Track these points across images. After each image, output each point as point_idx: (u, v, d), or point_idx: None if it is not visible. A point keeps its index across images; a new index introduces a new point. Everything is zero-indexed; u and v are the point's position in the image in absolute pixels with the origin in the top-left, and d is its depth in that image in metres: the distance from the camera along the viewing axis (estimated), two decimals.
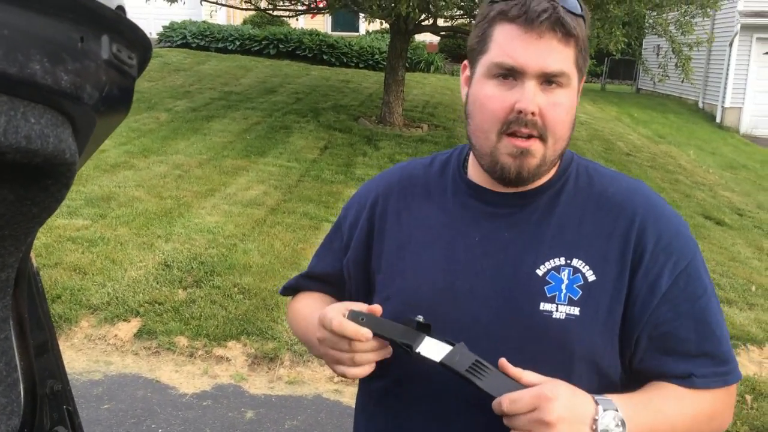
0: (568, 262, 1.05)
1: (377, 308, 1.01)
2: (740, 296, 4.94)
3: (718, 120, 15.84)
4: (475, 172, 1.14)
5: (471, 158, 1.15)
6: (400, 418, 1.13)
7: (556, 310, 1.03)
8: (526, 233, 1.08)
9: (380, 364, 1.04)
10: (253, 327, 3.85)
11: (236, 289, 4.24)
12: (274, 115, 9.53)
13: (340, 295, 1.24)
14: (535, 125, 1.00)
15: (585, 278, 1.04)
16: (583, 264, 1.04)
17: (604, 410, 0.94)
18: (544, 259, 1.05)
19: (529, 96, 0.99)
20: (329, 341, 1.01)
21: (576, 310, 1.02)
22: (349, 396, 3.40)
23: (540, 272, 1.05)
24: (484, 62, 1.04)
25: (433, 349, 0.98)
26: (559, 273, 1.04)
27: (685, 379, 1.04)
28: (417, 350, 0.98)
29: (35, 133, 0.65)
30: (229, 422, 3.16)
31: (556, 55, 0.99)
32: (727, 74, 15.61)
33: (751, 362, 3.98)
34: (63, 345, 3.62)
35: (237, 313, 3.96)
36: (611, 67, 24.87)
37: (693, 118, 15.91)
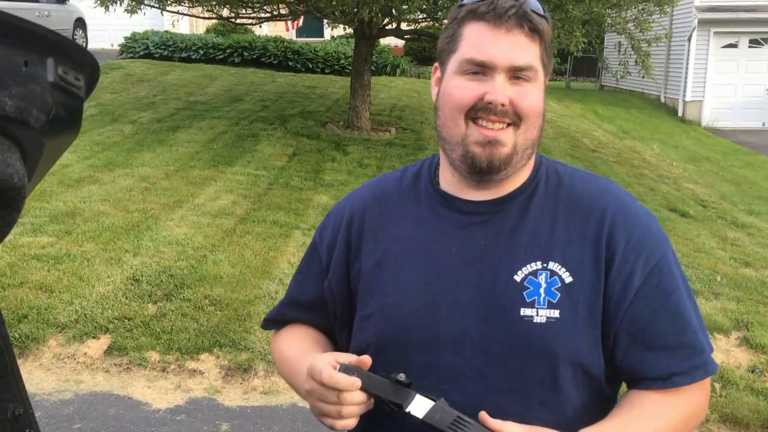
0: (545, 265, 1.06)
1: (366, 360, 1.01)
2: (706, 286, 5.04)
3: (680, 114, 16.16)
4: (446, 181, 1.15)
5: (442, 167, 1.16)
6: None
7: (537, 315, 1.04)
8: (502, 240, 1.09)
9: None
10: (226, 338, 3.82)
11: (207, 300, 4.21)
12: (240, 124, 9.48)
13: (325, 321, 1.25)
14: (506, 114, 1.03)
15: (562, 280, 1.06)
16: (560, 267, 1.06)
17: None
18: (521, 265, 1.07)
19: (499, 88, 1.02)
20: (318, 393, 1.01)
21: (556, 313, 1.04)
22: None
23: (518, 278, 1.06)
24: (455, 60, 1.06)
25: (419, 406, 0.99)
26: (536, 277, 1.06)
27: (666, 380, 1.06)
28: (407, 410, 0.98)
29: None
30: None
31: (524, 50, 1.03)
32: (686, 69, 15.93)
33: (718, 351, 4.06)
34: (31, 365, 3.56)
35: (209, 325, 3.93)
36: (575, 65, 25.19)
37: (656, 113, 16.20)
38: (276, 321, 1.31)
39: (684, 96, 16.12)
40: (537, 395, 1.06)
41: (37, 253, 4.70)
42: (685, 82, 16.00)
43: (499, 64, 1.02)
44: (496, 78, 1.02)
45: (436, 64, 1.15)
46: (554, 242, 1.08)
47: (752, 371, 3.88)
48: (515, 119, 1.04)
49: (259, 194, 6.60)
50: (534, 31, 1.03)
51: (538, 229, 1.09)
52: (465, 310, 1.07)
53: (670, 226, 6.79)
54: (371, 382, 0.99)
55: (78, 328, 3.82)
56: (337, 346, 1.25)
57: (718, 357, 3.98)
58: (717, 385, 3.62)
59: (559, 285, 1.05)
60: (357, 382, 0.98)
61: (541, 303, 1.05)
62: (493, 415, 0.97)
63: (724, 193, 8.85)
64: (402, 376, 0.99)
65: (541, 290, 1.05)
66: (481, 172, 1.06)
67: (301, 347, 1.20)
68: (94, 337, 3.78)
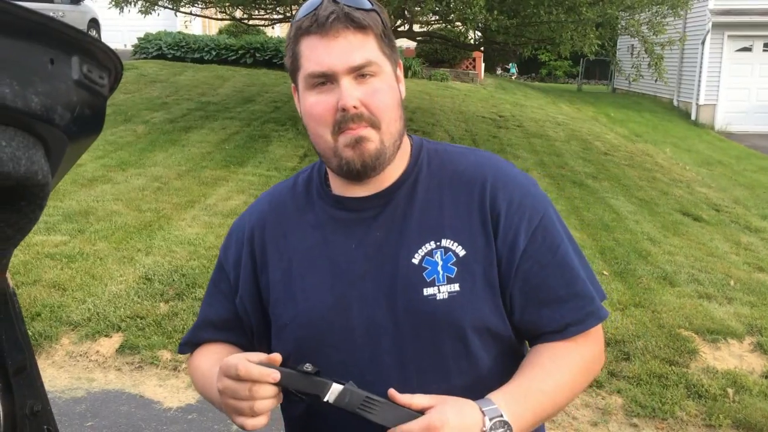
0: (438, 243, 1.11)
1: (276, 357, 1.02)
2: (719, 291, 5.00)
3: (693, 117, 16.07)
4: (335, 183, 1.18)
5: (329, 171, 1.19)
6: None
7: (439, 292, 1.09)
8: (395, 229, 1.13)
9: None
10: None
11: None
12: (252, 125, 9.51)
13: (239, 338, 1.26)
14: (362, 117, 1.06)
15: (456, 255, 1.10)
16: (452, 242, 1.11)
17: (491, 420, 1.00)
18: (417, 247, 1.11)
19: (347, 92, 1.05)
20: (230, 390, 1.02)
21: (456, 287, 1.09)
22: None
23: (416, 261, 1.11)
24: (302, 77, 1.10)
25: (333, 393, 1.01)
26: (432, 257, 1.10)
27: (563, 332, 1.11)
28: (326, 399, 1.00)
29: (6, 155, 0.65)
30: None
31: (357, 49, 1.06)
32: (700, 72, 15.84)
33: (731, 356, 4.03)
34: (44, 363, 3.58)
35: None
36: (587, 67, 25.13)
37: (668, 116, 16.12)
38: (191, 344, 1.31)
39: (697, 99, 16.02)
40: (453, 366, 1.11)
41: (50, 251, 4.73)
42: (699, 86, 15.91)
43: (338, 69, 1.05)
44: (341, 83, 1.05)
45: (293, 85, 1.18)
46: (443, 220, 1.12)
47: (766, 377, 3.84)
48: (373, 120, 1.07)
49: None
50: (362, 28, 1.06)
51: (427, 210, 1.13)
52: (373, 302, 1.11)
53: (683, 230, 6.75)
54: (286, 375, 1.00)
55: (90, 327, 3.85)
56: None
57: (731, 362, 3.95)
58: (730, 391, 3.60)
59: (455, 259, 1.10)
60: (275, 373, 0.99)
61: (441, 280, 1.09)
62: (416, 393, 1.01)
63: (738, 197, 8.78)
64: (309, 367, 1.01)
65: (439, 268, 1.10)
66: (358, 174, 1.10)
67: (215, 359, 1.19)
68: (106, 336, 3.80)
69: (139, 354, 3.68)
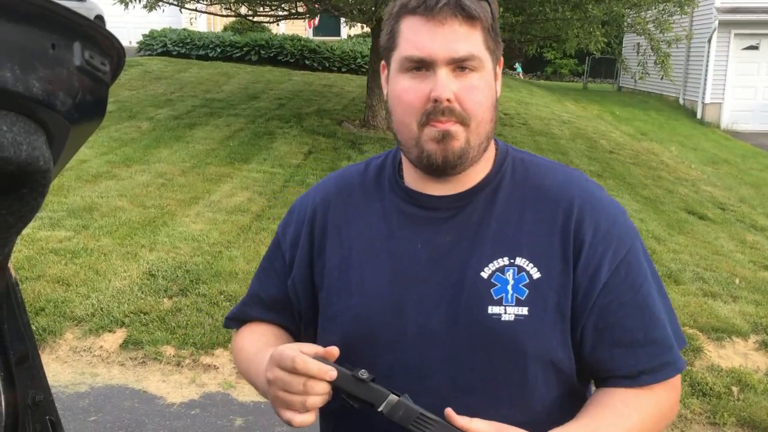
0: (512, 261, 1.04)
1: (333, 351, 0.97)
2: (724, 289, 4.98)
3: (699, 116, 16.01)
4: (410, 176, 1.12)
5: (405, 162, 1.13)
6: None
7: (505, 312, 1.02)
8: (467, 236, 1.06)
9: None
10: None
11: (222, 296, 4.22)
12: (257, 122, 9.51)
13: (287, 320, 1.21)
14: (453, 112, 1.00)
15: (530, 276, 1.03)
16: (527, 262, 1.03)
17: None
18: (488, 261, 1.04)
19: (442, 83, 0.99)
20: (282, 382, 0.96)
21: (524, 310, 1.02)
22: None
23: (485, 275, 1.03)
24: (396, 58, 1.04)
25: (387, 404, 0.96)
26: (503, 274, 1.03)
27: (635, 379, 1.03)
28: (380, 409, 0.95)
29: (7, 141, 0.64)
30: (219, 430, 3.14)
31: (462, 40, 0.99)
32: (706, 70, 15.78)
33: (736, 354, 4.02)
34: (48, 357, 3.59)
35: (224, 321, 3.94)
36: (592, 65, 25.08)
37: (674, 115, 16.07)
38: (237, 319, 1.27)
39: (703, 98, 15.97)
40: (506, 394, 1.03)
41: (54, 247, 4.74)
42: (705, 84, 15.85)
43: (438, 58, 0.99)
44: (438, 73, 0.99)
45: (383, 63, 1.11)
46: (521, 236, 1.05)
47: None
48: (463, 118, 1.01)
49: (274, 191, 6.62)
50: (470, 19, 0.99)
51: (505, 222, 1.06)
52: (431, 309, 1.04)
53: (688, 228, 6.72)
54: (343, 376, 0.95)
55: (94, 322, 3.85)
56: None
57: (735, 360, 3.93)
58: (735, 389, 3.58)
59: (527, 281, 1.03)
60: (332, 371, 0.94)
61: (509, 300, 1.02)
62: (461, 414, 0.95)
63: (743, 196, 8.75)
64: (364, 373, 0.95)
65: (509, 287, 1.03)
66: (437, 169, 1.04)
67: (261, 342, 1.16)
68: (110, 331, 3.80)
69: (142, 349, 3.68)
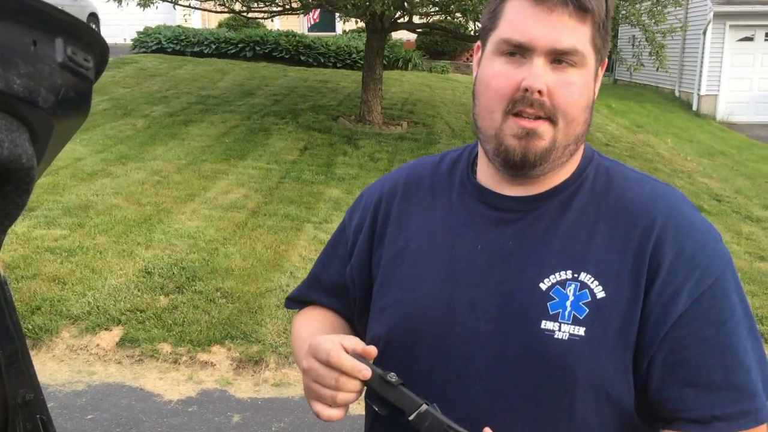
0: (576, 276, 0.95)
1: (372, 350, 0.94)
2: None
3: (694, 108, 16.00)
4: (483, 173, 1.05)
5: (480, 157, 1.06)
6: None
7: (559, 330, 0.93)
8: (531, 242, 0.98)
9: None
10: (237, 331, 3.83)
11: (219, 293, 4.22)
12: (252, 118, 9.49)
13: (345, 307, 1.18)
14: (543, 106, 0.93)
15: (593, 295, 0.94)
16: (592, 279, 0.94)
17: None
18: (549, 272, 0.96)
19: (537, 73, 0.92)
20: (315, 373, 0.94)
21: (581, 330, 0.93)
22: None
23: (543, 286, 0.95)
24: (493, 39, 0.97)
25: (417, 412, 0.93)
26: (564, 288, 0.95)
27: (706, 424, 0.92)
28: (410, 418, 0.91)
29: None
30: (216, 427, 3.14)
31: (569, 32, 0.92)
32: (701, 62, 15.77)
33: None
34: (44, 356, 3.58)
35: (220, 318, 3.94)
36: None
37: (670, 107, 16.06)
38: (298, 301, 1.25)
39: (699, 90, 15.96)
40: (550, 419, 0.95)
41: (50, 245, 4.73)
42: (700, 76, 15.84)
43: (538, 46, 0.92)
44: (534, 61, 0.92)
45: (477, 43, 1.04)
46: (590, 250, 0.96)
47: None
48: (552, 113, 0.93)
49: (270, 188, 6.61)
50: (582, 10, 0.92)
51: (574, 233, 0.97)
52: (482, 315, 0.97)
53: None
54: (376, 378, 0.92)
55: (91, 320, 3.84)
56: (357, 334, 1.16)
57: None
58: None
59: (589, 299, 0.94)
60: (366, 369, 0.91)
61: (566, 317, 0.93)
62: None
63: (739, 187, 8.76)
64: (393, 377, 0.92)
65: (568, 303, 0.94)
66: (514, 166, 0.96)
67: (315, 328, 1.14)
68: (106, 329, 3.80)
69: (139, 347, 3.68)
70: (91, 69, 0.77)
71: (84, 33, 0.74)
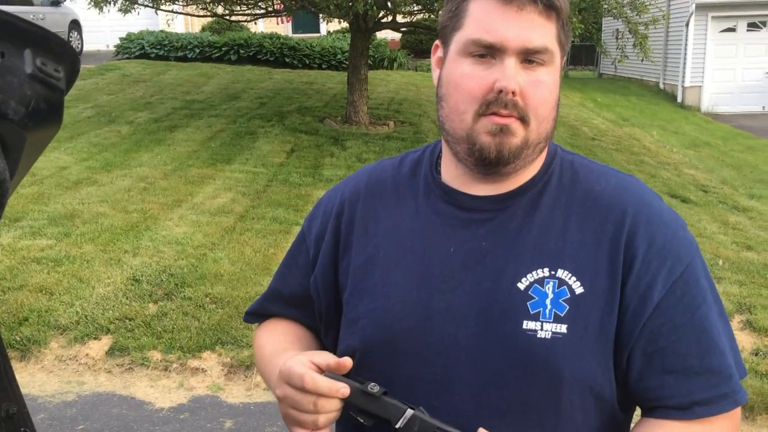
0: (553, 273, 0.95)
1: (346, 362, 0.91)
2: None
3: (679, 100, 16.10)
4: (448, 173, 1.03)
5: (445, 158, 1.04)
6: None
7: (541, 329, 0.93)
8: (505, 242, 0.97)
9: None
10: (228, 336, 3.82)
11: (208, 299, 4.20)
12: (238, 122, 9.46)
13: (309, 318, 1.15)
14: (516, 106, 0.91)
15: (572, 291, 0.94)
16: (570, 275, 0.94)
17: None
18: (526, 271, 0.95)
19: (510, 74, 0.90)
20: (292, 401, 0.91)
21: (563, 328, 0.92)
22: None
23: (522, 286, 0.95)
24: (459, 39, 0.94)
25: (404, 419, 0.90)
26: (542, 286, 0.94)
27: (686, 410, 0.93)
28: (397, 426, 0.88)
29: None
30: None
31: (539, 30, 0.91)
32: (685, 54, 15.87)
33: None
34: (33, 368, 3.56)
35: (210, 324, 3.93)
36: (573, 53, 25.10)
37: (655, 100, 16.15)
38: (258, 314, 1.22)
39: (683, 82, 16.06)
40: (537, 419, 0.94)
41: (36, 255, 4.69)
42: (684, 68, 15.94)
43: (510, 46, 0.90)
44: (506, 62, 0.91)
45: (437, 42, 1.01)
46: (565, 246, 0.95)
47: (756, 354, 3.87)
48: (524, 113, 0.92)
49: (258, 191, 6.59)
50: (550, 8, 0.91)
51: (547, 230, 0.97)
52: (460, 319, 0.95)
53: None
54: (356, 393, 0.90)
55: (79, 330, 3.82)
56: (324, 347, 1.15)
57: None
58: None
59: (568, 296, 0.93)
60: (344, 388, 0.89)
61: (547, 316, 0.93)
62: None
63: (725, 177, 8.82)
64: (374, 387, 0.89)
65: (548, 301, 0.93)
66: (489, 163, 0.95)
67: (279, 343, 1.10)
68: (95, 338, 3.77)
69: (129, 355, 3.66)
70: (62, 79, 0.76)
71: (53, 43, 0.74)
